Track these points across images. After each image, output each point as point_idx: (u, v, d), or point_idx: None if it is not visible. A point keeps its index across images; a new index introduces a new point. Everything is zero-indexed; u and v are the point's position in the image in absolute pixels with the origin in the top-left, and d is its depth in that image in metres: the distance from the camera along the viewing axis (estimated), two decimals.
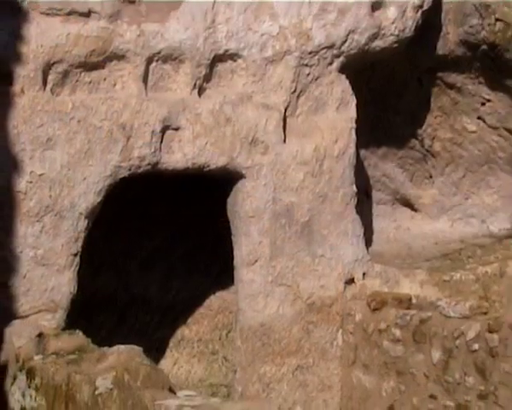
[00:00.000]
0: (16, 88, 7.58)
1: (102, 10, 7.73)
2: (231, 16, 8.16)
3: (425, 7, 8.79)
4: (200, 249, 9.13)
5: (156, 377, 6.71)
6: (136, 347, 7.04)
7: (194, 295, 9.34)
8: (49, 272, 7.73)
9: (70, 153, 7.72)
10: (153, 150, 7.96)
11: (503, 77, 9.35)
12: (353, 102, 8.71)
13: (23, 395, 7.19)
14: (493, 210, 9.99)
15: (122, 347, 7.04)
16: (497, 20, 8.98)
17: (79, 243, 7.83)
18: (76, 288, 7.86)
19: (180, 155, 8.09)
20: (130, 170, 7.92)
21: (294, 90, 8.45)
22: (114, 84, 7.93)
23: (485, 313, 8.12)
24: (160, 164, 8.03)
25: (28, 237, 7.66)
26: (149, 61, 7.95)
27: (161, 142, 8.01)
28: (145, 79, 7.99)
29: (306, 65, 8.44)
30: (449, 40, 9.18)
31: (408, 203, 10.29)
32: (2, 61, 7.51)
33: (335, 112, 8.66)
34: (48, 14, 7.60)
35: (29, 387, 7.14)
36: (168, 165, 8.07)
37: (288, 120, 8.47)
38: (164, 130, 8.00)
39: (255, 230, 8.39)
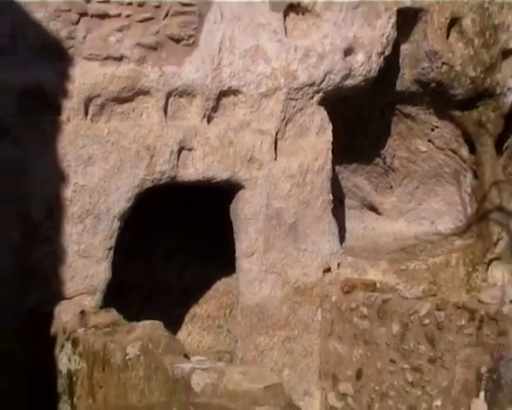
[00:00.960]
0: (64, 117, 7.56)
1: (132, 56, 7.73)
2: (233, 60, 8.15)
3: (386, 53, 8.80)
4: (209, 244, 9.08)
5: (174, 345, 6.69)
6: (158, 322, 6.97)
7: (204, 281, 9.28)
8: (89, 263, 7.72)
9: (106, 168, 7.70)
10: (171, 166, 7.94)
11: (448, 108, 9.39)
12: (330, 128, 8.69)
13: (69, 360, 7.17)
14: (440, 214, 9.96)
15: (147, 322, 6.98)
16: (443, 63, 9.01)
17: (113, 240, 7.81)
18: (111, 275, 7.84)
19: (193, 170, 8.07)
20: (153, 182, 7.90)
21: (283, 119, 8.43)
22: (141, 114, 7.90)
23: (434, 295, 8.14)
24: (177, 177, 8.01)
25: (73, 234, 7.64)
26: (168, 95, 7.93)
27: (178, 159, 7.97)
28: (165, 110, 7.96)
29: (293, 99, 8.43)
30: (405, 79, 9.20)
31: (373, 208, 10.27)
32: (53, 95, 7.52)
33: (316, 136, 8.65)
34: (89, 59, 7.60)
35: (74, 353, 7.12)
36: (183, 178, 8.05)
37: (278, 142, 8.46)
38: (180, 150, 7.97)
39: (252, 229, 8.38)
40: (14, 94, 7.37)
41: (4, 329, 7.36)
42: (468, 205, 9.71)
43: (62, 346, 7.27)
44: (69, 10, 7.47)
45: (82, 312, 7.42)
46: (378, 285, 8.46)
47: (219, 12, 8.07)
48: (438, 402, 7.38)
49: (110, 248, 7.81)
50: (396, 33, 8.82)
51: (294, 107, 8.47)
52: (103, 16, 7.61)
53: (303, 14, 8.46)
